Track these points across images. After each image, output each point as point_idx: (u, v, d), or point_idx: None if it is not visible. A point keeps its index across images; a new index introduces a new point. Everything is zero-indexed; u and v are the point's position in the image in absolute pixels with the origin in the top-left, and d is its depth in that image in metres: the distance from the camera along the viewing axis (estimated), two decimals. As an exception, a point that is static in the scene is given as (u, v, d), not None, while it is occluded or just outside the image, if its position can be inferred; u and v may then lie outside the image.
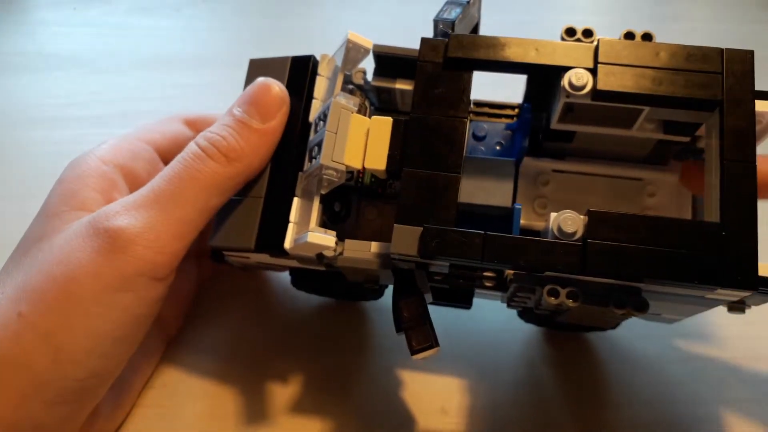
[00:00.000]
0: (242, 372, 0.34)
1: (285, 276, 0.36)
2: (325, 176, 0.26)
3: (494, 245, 0.23)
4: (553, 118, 0.26)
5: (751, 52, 0.24)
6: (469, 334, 0.36)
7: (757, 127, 0.26)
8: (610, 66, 0.24)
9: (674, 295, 0.24)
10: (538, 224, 0.28)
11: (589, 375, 0.34)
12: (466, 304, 0.31)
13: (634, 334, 0.35)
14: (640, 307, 0.23)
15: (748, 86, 0.23)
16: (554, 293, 0.23)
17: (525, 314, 0.33)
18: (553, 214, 0.23)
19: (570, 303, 0.23)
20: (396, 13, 0.52)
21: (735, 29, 0.52)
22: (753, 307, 0.32)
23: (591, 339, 0.36)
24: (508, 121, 0.30)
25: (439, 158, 0.25)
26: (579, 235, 0.23)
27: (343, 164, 0.26)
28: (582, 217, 0.23)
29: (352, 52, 0.28)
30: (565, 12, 0.55)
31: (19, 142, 0.46)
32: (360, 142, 0.26)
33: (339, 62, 0.28)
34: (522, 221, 0.28)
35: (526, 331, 0.36)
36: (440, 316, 0.33)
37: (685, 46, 0.24)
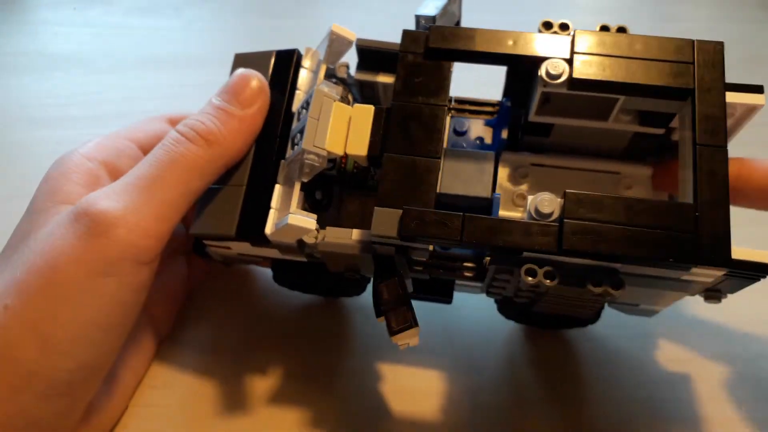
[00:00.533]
0: (229, 368, 0.34)
1: (269, 273, 0.36)
2: (306, 161, 0.26)
3: (473, 226, 0.23)
4: (531, 110, 0.27)
5: (721, 44, 0.24)
6: (450, 331, 0.36)
7: (730, 120, 0.27)
8: (585, 56, 0.25)
9: (650, 278, 0.25)
10: (517, 215, 0.28)
11: (570, 372, 0.34)
12: (447, 297, 0.31)
13: (615, 333, 0.35)
14: (617, 284, 0.23)
15: (718, 76, 0.24)
16: (532, 273, 0.23)
17: (505, 309, 0.33)
18: (530, 197, 0.24)
19: (548, 282, 0.23)
20: (396, 13, 0.52)
21: (734, 29, 0.52)
22: (732, 306, 0.32)
23: (572, 337, 0.36)
24: (489, 117, 0.30)
25: (420, 144, 0.25)
26: (556, 215, 0.23)
27: (324, 149, 0.26)
28: (559, 199, 0.23)
29: (336, 43, 0.28)
30: (565, 12, 0.55)
31: (19, 142, 0.46)
32: (342, 129, 0.26)
33: (322, 55, 0.29)
34: (501, 212, 0.28)
35: (507, 328, 0.36)
36: (422, 313, 0.34)
37: (657, 38, 0.25)
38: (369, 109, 0.26)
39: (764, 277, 0.24)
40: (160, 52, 0.52)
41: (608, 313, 0.32)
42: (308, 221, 0.26)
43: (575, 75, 0.24)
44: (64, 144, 0.45)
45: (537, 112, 0.27)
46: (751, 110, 0.26)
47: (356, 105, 0.27)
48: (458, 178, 0.28)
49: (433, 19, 0.27)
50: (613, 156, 0.29)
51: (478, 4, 0.53)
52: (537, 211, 0.23)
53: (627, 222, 0.23)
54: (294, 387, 0.34)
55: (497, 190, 0.28)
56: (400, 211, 0.24)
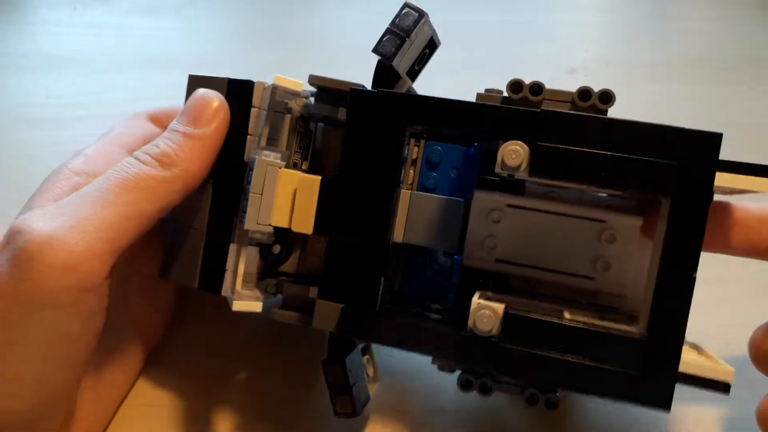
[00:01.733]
0: (220, 370, 0.34)
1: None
2: (252, 237, 0.25)
3: (410, 333, 0.23)
4: (497, 166, 0.23)
5: (720, 136, 0.20)
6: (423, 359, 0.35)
7: (729, 188, 0.23)
8: (549, 146, 0.21)
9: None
10: (486, 265, 0.26)
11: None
12: None
13: None
14: (551, 406, 0.23)
15: (707, 183, 0.20)
16: (467, 385, 0.24)
17: None
18: (474, 303, 0.22)
19: (481, 395, 0.23)
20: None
21: (734, 29, 0.52)
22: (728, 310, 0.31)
23: None
24: (466, 144, 0.27)
25: (368, 227, 0.23)
26: (495, 333, 0.22)
27: (269, 226, 0.25)
28: (500, 311, 0.22)
29: (280, 94, 0.26)
30: (565, 12, 0.55)
31: (19, 142, 0.46)
32: (288, 199, 0.25)
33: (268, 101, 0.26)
34: (467, 262, 0.26)
35: None
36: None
37: (643, 125, 0.21)
38: (315, 181, 0.25)
39: (721, 391, 0.22)
40: (160, 52, 0.52)
41: None
42: (254, 304, 0.25)
43: (534, 168, 0.22)
44: (63, 144, 0.45)
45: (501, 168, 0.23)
46: (751, 191, 0.22)
47: (302, 176, 0.25)
48: (422, 228, 0.26)
49: (390, 61, 0.24)
50: (599, 199, 0.26)
51: (479, 4, 0.53)
52: (476, 326, 0.22)
53: (570, 351, 0.21)
54: (275, 383, 0.33)
55: (467, 235, 0.26)
56: (341, 307, 0.23)
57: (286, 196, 0.25)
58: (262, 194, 0.25)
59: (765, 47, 0.50)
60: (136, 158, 0.26)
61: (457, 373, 0.27)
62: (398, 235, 0.26)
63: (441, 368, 0.27)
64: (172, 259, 0.28)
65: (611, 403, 0.33)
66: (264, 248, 0.27)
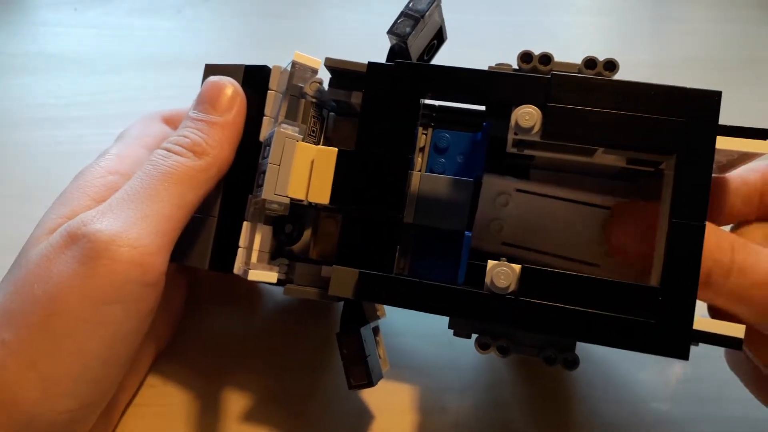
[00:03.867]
0: (221, 370, 0.35)
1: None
2: (268, 208, 0.26)
3: (428, 294, 0.23)
4: (507, 142, 0.25)
5: (719, 93, 0.22)
6: (434, 341, 0.35)
7: (726, 159, 0.25)
8: (561, 107, 0.23)
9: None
10: (492, 248, 0.27)
11: (554, 390, 0.34)
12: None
13: (604, 353, 0.35)
14: (570, 365, 0.23)
15: (710, 137, 0.22)
16: (484, 346, 0.24)
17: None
18: (490, 264, 0.23)
19: (499, 356, 0.23)
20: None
21: (734, 30, 0.52)
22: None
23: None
24: (473, 130, 0.29)
25: (382, 197, 0.24)
26: (512, 289, 0.22)
27: (286, 197, 0.25)
28: (517, 269, 0.22)
29: (299, 72, 0.27)
30: (565, 12, 0.55)
31: (19, 143, 0.46)
32: (305, 171, 0.26)
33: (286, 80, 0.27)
34: (475, 243, 0.27)
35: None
36: (405, 317, 0.34)
37: (647, 85, 0.22)
38: (332, 153, 0.26)
39: (738, 348, 0.23)
40: (161, 52, 0.52)
41: None
42: (269, 275, 0.25)
43: (547, 130, 0.23)
44: (64, 144, 0.45)
45: (513, 146, 0.25)
46: (751, 156, 0.24)
47: (319, 148, 0.26)
48: (432, 209, 0.27)
49: (405, 40, 0.25)
50: (607, 176, 0.27)
51: (479, 4, 0.53)
52: (493, 284, 0.22)
53: (587, 303, 0.22)
54: (275, 385, 0.34)
55: (475, 217, 0.27)
56: (357, 272, 0.23)
57: (302, 169, 0.26)
58: (280, 165, 0.25)
59: (765, 47, 0.50)
60: (170, 150, 0.27)
61: (470, 346, 0.27)
62: (408, 216, 0.27)
63: (457, 334, 0.28)
64: (183, 244, 0.28)
65: (612, 402, 0.33)
66: (276, 228, 0.28)
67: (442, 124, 0.29)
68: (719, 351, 0.34)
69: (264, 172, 0.26)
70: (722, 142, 0.22)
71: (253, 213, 0.27)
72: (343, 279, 0.24)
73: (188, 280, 0.35)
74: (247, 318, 0.37)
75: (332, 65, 0.27)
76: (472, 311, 0.23)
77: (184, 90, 0.49)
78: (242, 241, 0.27)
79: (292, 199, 0.26)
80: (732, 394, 0.33)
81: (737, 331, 0.22)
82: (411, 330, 0.35)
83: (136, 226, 0.24)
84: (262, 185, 0.25)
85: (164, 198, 0.25)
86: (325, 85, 0.29)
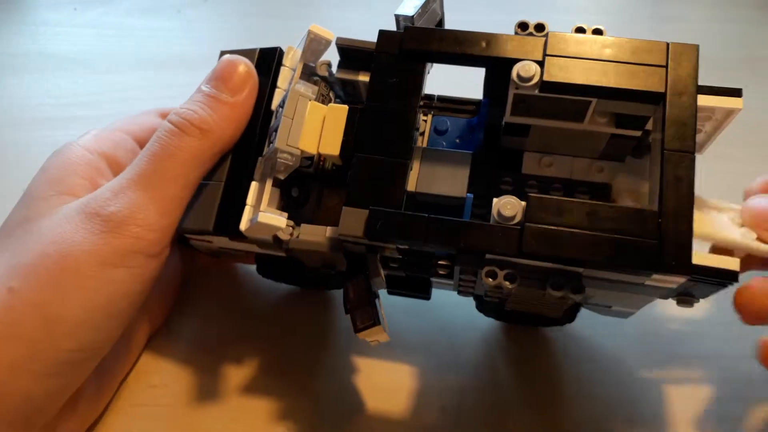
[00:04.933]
0: (213, 362, 0.35)
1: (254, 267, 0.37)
2: (280, 160, 0.27)
3: (436, 228, 0.24)
4: (506, 110, 0.27)
5: (696, 47, 0.24)
6: (429, 328, 0.36)
7: (710, 123, 0.27)
8: (557, 58, 0.25)
9: (614, 282, 0.25)
10: None
11: (548, 371, 0.35)
12: (425, 294, 0.31)
13: (594, 332, 0.36)
14: (576, 289, 0.24)
15: (691, 79, 0.24)
16: (492, 275, 0.24)
17: (483, 307, 0.34)
18: (495, 200, 0.24)
19: (507, 285, 0.24)
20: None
21: (733, 29, 0.53)
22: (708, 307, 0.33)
23: (551, 336, 0.36)
24: (469, 116, 0.31)
25: (390, 145, 0.25)
26: (518, 219, 0.23)
27: (298, 148, 0.26)
28: (522, 203, 0.24)
29: (314, 44, 0.28)
30: (564, 12, 0.55)
31: (20, 142, 0.46)
32: (316, 128, 0.27)
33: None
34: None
35: (486, 326, 0.36)
36: (400, 310, 0.35)
37: (631, 40, 0.25)
38: (343, 109, 0.27)
39: (731, 284, 0.24)
40: (161, 52, 0.52)
41: (587, 312, 0.33)
42: (278, 219, 0.26)
43: (546, 78, 0.24)
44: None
45: (512, 113, 0.27)
46: (729, 114, 0.26)
47: (331, 105, 0.27)
48: (434, 178, 0.28)
49: (411, 19, 0.27)
50: (593, 156, 0.29)
51: (479, 4, 0.53)
52: (500, 214, 0.23)
53: (589, 227, 0.23)
54: (274, 381, 0.35)
55: (477, 189, 0.28)
56: (367, 212, 0.24)
57: (314, 126, 0.27)
58: (293, 119, 0.27)
59: (765, 47, 0.51)
60: (177, 125, 0.28)
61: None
62: (411, 185, 0.28)
63: (462, 293, 0.29)
64: (186, 210, 0.29)
65: (605, 401, 0.33)
66: (283, 191, 0.29)
67: (442, 112, 0.31)
68: (702, 328, 0.36)
69: (276, 130, 0.27)
70: (702, 100, 0.25)
71: (262, 173, 0.28)
72: (353, 219, 0.25)
73: (183, 263, 0.37)
74: (233, 314, 0.37)
75: (343, 44, 0.29)
76: (479, 242, 0.23)
77: (184, 90, 0.49)
78: (250, 198, 0.28)
79: (303, 152, 0.27)
80: (716, 370, 0.35)
81: (733, 264, 0.23)
82: (408, 312, 0.36)
83: (143, 208, 0.27)
84: (273, 142, 0.27)
85: (170, 179, 0.28)
86: (334, 69, 0.30)
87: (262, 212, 0.26)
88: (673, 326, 0.36)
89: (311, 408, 0.34)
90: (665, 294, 0.26)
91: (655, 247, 0.22)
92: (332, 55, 0.30)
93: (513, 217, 0.23)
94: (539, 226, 0.23)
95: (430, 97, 0.31)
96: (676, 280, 0.24)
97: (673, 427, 0.33)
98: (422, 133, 0.31)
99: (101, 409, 0.33)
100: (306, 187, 0.30)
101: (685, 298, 0.27)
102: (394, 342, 0.32)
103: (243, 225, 0.27)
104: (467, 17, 0.47)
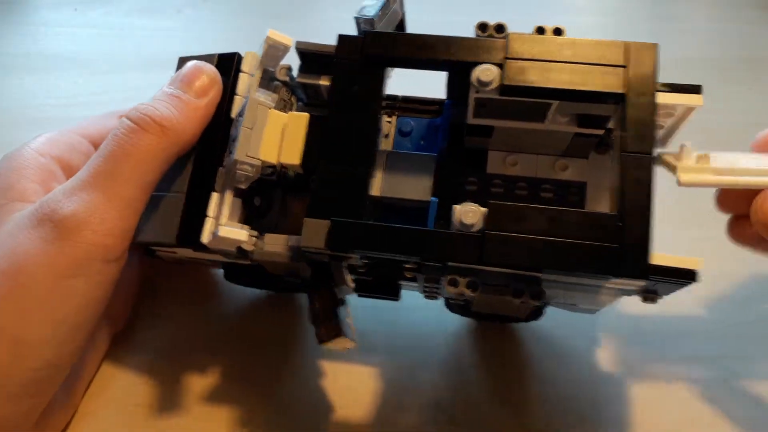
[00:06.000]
0: (176, 367, 0.35)
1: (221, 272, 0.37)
2: (240, 171, 0.27)
3: (398, 237, 0.24)
4: (468, 113, 0.27)
5: (655, 46, 0.24)
6: (397, 328, 0.36)
7: (671, 119, 0.27)
8: (517, 61, 0.25)
9: (574, 284, 0.25)
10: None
11: (515, 370, 0.35)
12: (394, 296, 0.32)
13: (562, 333, 0.36)
14: (536, 296, 0.24)
15: (650, 79, 0.24)
16: (454, 283, 0.24)
17: (451, 306, 0.34)
18: (456, 207, 0.24)
19: (469, 292, 0.24)
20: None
21: (734, 29, 0.53)
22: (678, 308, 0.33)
23: (519, 335, 0.36)
24: (433, 116, 0.31)
25: (352, 155, 0.26)
26: (479, 227, 0.23)
27: (258, 159, 0.26)
28: (483, 209, 0.24)
29: (272, 49, 0.28)
30: (564, 13, 0.55)
31: (20, 143, 0.46)
32: (276, 137, 0.27)
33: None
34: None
35: (454, 326, 0.36)
36: (369, 310, 0.35)
37: (591, 41, 0.25)
38: (304, 117, 0.27)
39: (690, 283, 0.24)
40: (161, 52, 0.52)
41: (556, 311, 0.33)
42: (239, 232, 0.26)
43: (506, 82, 0.24)
44: (65, 144, 0.45)
45: (474, 116, 0.27)
46: (690, 110, 0.26)
47: (291, 113, 0.27)
48: (399, 182, 0.28)
49: (372, 21, 0.27)
50: (557, 155, 0.29)
51: (478, 5, 0.53)
52: (461, 222, 0.23)
53: (549, 233, 0.23)
54: (237, 386, 0.35)
55: (442, 192, 0.28)
56: (329, 222, 0.24)
57: (274, 134, 0.27)
58: (252, 129, 0.27)
59: (765, 47, 0.51)
60: (137, 122, 0.27)
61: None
62: (375, 189, 0.28)
63: (428, 297, 0.29)
64: (147, 222, 0.29)
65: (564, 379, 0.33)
66: (245, 201, 0.29)
67: (406, 113, 0.31)
68: (669, 328, 0.36)
69: (236, 140, 0.27)
70: (662, 98, 0.25)
71: (223, 184, 0.28)
72: (315, 230, 0.25)
73: (143, 265, 0.37)
74: (199, 319, 0.37)
75: (303, 48, 0.29)
76: (441, 251, 0.24)
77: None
78: (211, 210, 0.27)
79: (263, 162, 0.27)
80: (693, 370, 0.35)
81: (693, 264, 0.24)
82: (377, 313, 0.37)
83: (99, 211, 0.26)
84: (233, 153, 0.27)
85: (127, 179, 0.26)
86: (295, 73, 0.30)
87: (222, 226, 0.26)
88: (643, 326, 0.36)
89: (276, 413, 0.34)
90: (628, 293, 0.27)
91: (615, 251, 0.22)
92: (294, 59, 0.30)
93: (473, 225, 0.23)
94: (500, 233, 0.23)
95: (393, 97, 0.31)
96: (636, 284, 0.24)
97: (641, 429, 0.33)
98: (387, 136, 0.31)
99: (72, 413, 0.33)
100: (269, 195, 0.30)
101: (649, 295, 0.27)
102: (362, 344, 0.32)
103: (205, 238, 0.27)
104: (464, 18, 0.47)
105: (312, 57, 0.29)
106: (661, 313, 0.36)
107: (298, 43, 0.29)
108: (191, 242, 0.28)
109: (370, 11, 0.27)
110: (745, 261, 0.34)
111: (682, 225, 0.37)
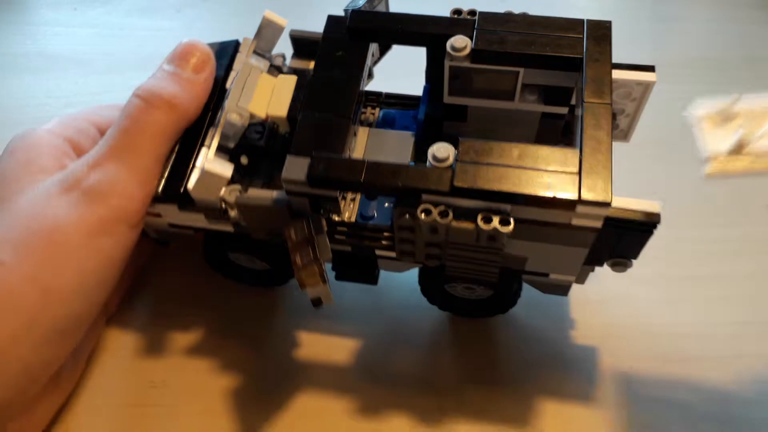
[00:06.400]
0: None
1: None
2: (229, 120, 0.29)
3: (374, 170, 0.26)
4: (444, 90, 0.30)
5: (609, 22, 0.29)
6: (376, 308, 0.38)
7: (629, 105, 0.30)
8: (486, 31, 0.28)
9: (542, 226, 0.26)
10: None
11: (488, 355, 0.37)
12: (372, 280, 0.33)
13: (537, 323, 0.37)
14: (505, 221, 0.26)
15: (605, 48, 0.28)
16: (427, 211, 0.26)
17: (431, 295, 0.36)
18: (431, 147, 0.26)
19: (441, 220, 0.26)
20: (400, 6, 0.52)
21: (734, 29, 0.53)
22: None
23: (493, 323, 0.38)
24: (415, 109, 0.34)
25: (334, 104, 0.28)
26: (450, 161, 0.26)
27: (246, 110, 0.29)
28: (453, 147, 0.26)
29: (268, 29, 0.32)
30: (564, 13, 0.55)
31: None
32: (266, 96, 0.30)
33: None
34: None
35: (432, 312, 0.38)
36: (351, 294, 0.37)
37: (552, 17, 0.29)
38: (292, 79, 0.31)
39: (654, 227, 0.26)
40: (161, 52, 0.52)
41: (529, 301, 0.35)
42: (224, 168, 0.29)
43: (476, 47, 0.28)
44: (64, 144, 0.45)
45: (449, 93, 0.30)
46: (646, 88, 0.29)
47: (280, 76, 0.31)
48: (381, 149, 0.31)
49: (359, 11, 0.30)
50: (528, 140, 0.32)
51: (479, 4, 0.53)
52: (434, 156, 0.26)
53: (517, 164, 0.25)
54: (223, 353, 0.37)
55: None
56: (310, 159, 0.27)
57: (264, 93, 0.30)
58: (244, 86, 0.30)
59: (765, 47, 0.51)
60: (146, 101, 0.30)
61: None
62: (358, 153, 0.31)
63: (400, 257, 0.31)
64: None
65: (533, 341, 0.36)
66: (233, 158, 0.30)
67: (390, 107, 0.34)
68: (636, 292, 0.37)
69: (227, 97, 0.29)
70: (618, 74, 0.28)
71: (211, 141, 0.30)
72: (297, 165, 0.26)
73: (136, 253, 0.38)
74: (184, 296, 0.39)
75: (296, 35, 0.33)
76: (416, 181, 0.25)
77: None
78: (199, 161, 0.30)
79: (252, 115, 0.29)
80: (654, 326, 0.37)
81: (652, 206, 0.26)
82: (356, 308, 0.38)
83: (122, 180, 0.29)
84: (223, 109, 0.29)
85: (144, 152, 0.29)
86: (288, 61, 0.33)
87: (209, 162, 0.28)
88: (614, 312, 0.38)
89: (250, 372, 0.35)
90: (599, 261, 0.29)
91: (578, 178, 0.25)
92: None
93: (446, 159, 0.26)
94: (470, 163, 0.25)
95: (377, 93, 0.35)
96: (599, 213, 0.25)
97: (608, 410, 0.34)
98: (371, 124, 0.34)
99: (76, 383, 0.35)
100: (255, 156, 0.32)
101: (619, 260, 0.29)
102: (341, 319, 0.35)
103: (191, 182, 0.29)
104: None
105: (303, 43, 0.33)
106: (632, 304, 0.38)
107: (292, 30, 0.32)
108: (176, 196, 0.30)
109: (358, 3, 0.31)
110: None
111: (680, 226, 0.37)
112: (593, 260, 0.29)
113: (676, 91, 0.37)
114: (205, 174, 0.28)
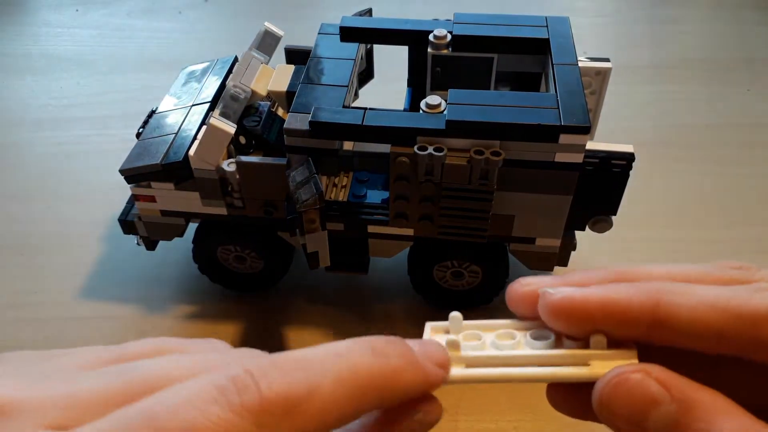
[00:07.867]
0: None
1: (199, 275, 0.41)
2: (232, 92, 0.32)
3: (373, 116, 0.30)
4: (426, 87, 0.34)
5: (567, 18, 0.33)
6: (366, 303, 0.39)
7: (593, 95, 0.33)
8: (463, 25, 0.33)
9: (527, 168, 0.29)
10: None
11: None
12: (362, 269, 0.36)
13: None
14: (496, 153, 0.28)
15: (566, 32, 0.33)
16: (423, 148, 0.29)
17: (419, 285, 0.38)
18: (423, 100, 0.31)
19: (436, 153, 0.29)
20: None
21: (732, 30, 0.53)
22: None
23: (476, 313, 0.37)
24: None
25: (330, 77, 0.32)
26: (443, 107, 0.30)
27: (248, 86, 0.32)
28: (445, 95, 0.31)
29: (267, 37, 0.35)
30: (563, 14, 0.55)
31: (21, 143, 0.46)
32: (266, 80, 0.34)
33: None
34: None
35: (418, 300, 0.40)
36: (340, 287, 0.40)
37: (518, 15, 0.34)
38: (290, 67, 0.35)
39: (628, 163, 0.29)
40: (162, 53, 0.53)
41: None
42: (228, 125, 0.31)
43: (455, 33, 0.33)
44: (65, 145, 0.46)
45: (432, 87, 0.34)
46: (604, 76, 0.33)
47: (279, 65, 0.34)
48: (369, 145, 0.35)
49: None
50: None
51: (478, 6, 0.53)
52: (427, 104, 0.29)
53: (503, 103, 0.29)
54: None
55: None
56: (311, 114, 0.30)
57: (264, 79, 0.34)
58: (246, 70, 0.33)
59: (763, 47, 0.51)
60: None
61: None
62: (349, 144, 0.35)
63: (394, 224, 0.33)
64: (135, 157, 0.33)
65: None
66: (232, 140, 0.33)
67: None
68: None
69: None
70: (581, 63, 0.33)
71: (211, 119, 0.33)
72: (299, 120, 0.29)
73: None
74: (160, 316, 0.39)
75: (290, 48, 0.36)
76: (414, 124, 0.28)
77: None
78: (200, 135, 0.32)
79: (253, 92, 0.32)
80: None
81: (626, 147, 0.29)
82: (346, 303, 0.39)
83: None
84: (226, 88, 0.32)
85: None
86: None
87: (214, 118, 0.30)
88: None
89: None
90: (581, 226, 0.32)
91: (557, 112, 0.29)
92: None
93: (439, 105, 0.29)
94: (461, 106, 0.29)
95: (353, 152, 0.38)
96: (580, 142, 0.29)
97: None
98: (345, 185, 0.36)
99: None
100: (251, 137, 0.34)
101: (599, 218, 0.32)
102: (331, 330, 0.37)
103: (192, 149, 0.31)
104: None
105: (296, 54, 0.36)
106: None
107: (286, 46, 0.36)
108: (176, 166, 0.32)
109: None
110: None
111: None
112: (575, 223, 0.32)
113: (674, 92, 0.37)
114: (210, 128, 0.30)
